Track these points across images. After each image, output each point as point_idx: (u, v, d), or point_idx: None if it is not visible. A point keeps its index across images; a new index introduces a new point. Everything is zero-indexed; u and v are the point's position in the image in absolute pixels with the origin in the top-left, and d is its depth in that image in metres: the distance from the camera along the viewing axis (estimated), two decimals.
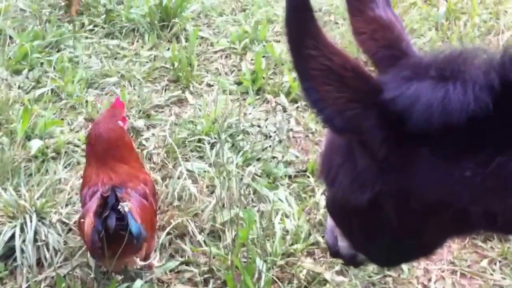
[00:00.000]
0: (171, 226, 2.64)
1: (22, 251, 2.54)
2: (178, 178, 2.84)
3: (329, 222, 1.67)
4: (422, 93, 1.07)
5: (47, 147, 3.06)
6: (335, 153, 1.30)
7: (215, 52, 3.95)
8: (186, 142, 3.12)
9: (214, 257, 2.50)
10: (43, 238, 2.59)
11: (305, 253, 2.53)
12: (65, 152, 3.07)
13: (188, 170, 2.90)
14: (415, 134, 1.07)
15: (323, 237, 2.59)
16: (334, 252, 1.72)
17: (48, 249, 2.56)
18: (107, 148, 2.45)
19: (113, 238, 2.13)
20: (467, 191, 1.11)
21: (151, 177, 2.61)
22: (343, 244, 1.65)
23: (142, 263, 2.42)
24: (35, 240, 2.58)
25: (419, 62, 1.17)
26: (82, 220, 2.25)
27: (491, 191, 1.10)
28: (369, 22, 1.32)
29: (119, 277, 2.42)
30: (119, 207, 2.08)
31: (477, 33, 3.98)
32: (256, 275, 2.38)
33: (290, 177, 2.91)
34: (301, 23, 1.05)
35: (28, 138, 3.12)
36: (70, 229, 2.69)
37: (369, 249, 1.50)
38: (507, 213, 1.13)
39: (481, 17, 4.15)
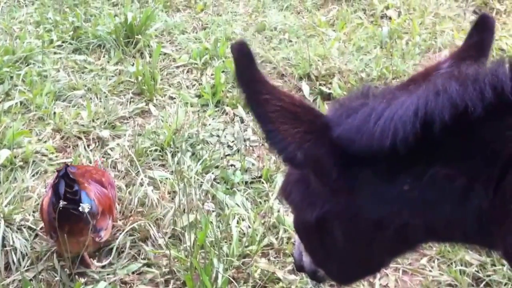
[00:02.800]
0: (133, 229, 2.61)
1: None
2: (141, 185, 2.80)
3: (297, 237, 1.67)
4: (359, 124, 1.10)
5: (15, 157, 2.99)
6: (293, 170, 1.32)
7: (177, 67, 3.92)
8: (149, 152, 3.09)
9: (174, 259, 2.47)
10: (11, 243, 2.53)
11: (259, 254, 2.52)
12: (33, 161, 3.01)
13: (150, 178, 2.87)
14: (360, 157, 1.11)
15: (276, 239, 2.59)
16: (299, 266, 1.73)
17: (15, 254, 2.51)
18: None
19: (66, 215, 2.19)
20: (408, 205, 1.14)
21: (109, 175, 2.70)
22: (306, 259, 1.65)
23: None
24: (3, 245, 2.52)
25: (357, 96, 1.19)
26: (42, 201, 2.38)
27: (428, 202, 1.12)
28: None
29: (83, 280, 2.37)
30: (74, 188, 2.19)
31: (417, 51, 4.04)
32: (214, 276, 2.36)
33: (246, 183, 2.90)
34: (251, 74, 1.11)
35: None
36: (37, 235, 2.63)
37: (326, 265, 1.51)
38: (444, 222, 1.15)
39: (421, 37, 4.22)
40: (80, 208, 2.13)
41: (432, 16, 4.56)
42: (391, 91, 1.19)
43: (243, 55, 1.09)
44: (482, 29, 1.28)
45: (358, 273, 1.52)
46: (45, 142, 3.20)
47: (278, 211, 2.70)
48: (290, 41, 4.25)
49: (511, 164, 1.03)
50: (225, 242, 2.55)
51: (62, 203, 2.18)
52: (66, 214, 2.21)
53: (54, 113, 3.38)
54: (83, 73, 3.85)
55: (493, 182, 1.05)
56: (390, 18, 4.59)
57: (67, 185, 2.20)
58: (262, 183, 2.90)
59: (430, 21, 4.51)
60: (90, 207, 2.21)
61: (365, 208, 1.16)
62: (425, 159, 1.09)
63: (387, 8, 4.72)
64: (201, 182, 2.86)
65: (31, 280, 2.42)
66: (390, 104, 1.09)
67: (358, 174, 1.14)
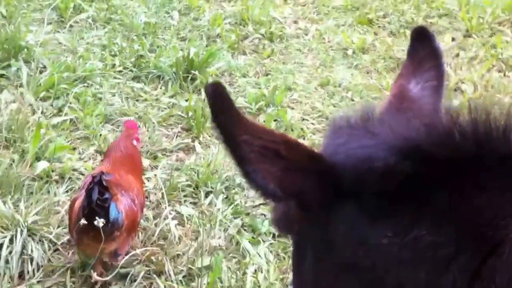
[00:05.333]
0: (150, 260, 2.75)
1: (8, 261, 2.67)
2: (165, 218, 2.96)
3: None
4: (352, 157, 1.18)
5: (53, 170, 3.22)
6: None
7: None
8: (183, 187, 3.26)
9: None
10: (29, 252, 2.72)
11: None
12: (69, 177, 3.23)
13: (177, 213, 3.03)
14: (350, 191, 1.13)
15: None
16: None
17: (31, 264, 2.70)
18: (119, 160, 2.82)
19: (92, 222, 2.38)
20: (383, 259, 1.14)
21: (144, 192, 2.95)
22: None
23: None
24: (22, 253, 2.72)
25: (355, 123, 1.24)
26: (73, 201, 2.60)
27: (404, 264, 1.13)
28: None
29: None
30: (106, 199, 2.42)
31: None
32: None
33: (274, 235, 3.01)
34: (227, 116, 1.11)
35: (38, 159, 3.29)
36: (56, 249, 2.81)
37: None
38: (418, 286, 1.19)
39: None
40: (96, 222, 2.30)
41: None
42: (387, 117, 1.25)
43: (218, 96, 1.10)
44: (422, 40, 1.38)
45: None
46: (85, 161, 3.43)
47: None
48: (352, 100, 4.38)
49: (494, 251, 1.06)
50: None
51: (82, 222, 2.39)
52: (91, 221, 2.39)
53: (100, 134, 3.62)
54: (137, 100, 4.10)
55: (472, 268, 1.07)
56: (463, 91, 4.65)
57: (99, 192, 2.41)
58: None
59: (508, 101, 4.53)
60: (116, 217, 2.44)
61: (338, 246, 1.19)
62: (412, 214, 1.10)
63: (462, 81, 4.78)
64: (228, 226, 2.98)
65: None
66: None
67: (342, 208, 1.15)
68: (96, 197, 2.39)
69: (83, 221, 2.40)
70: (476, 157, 1.09)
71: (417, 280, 1.13)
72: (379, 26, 5.36)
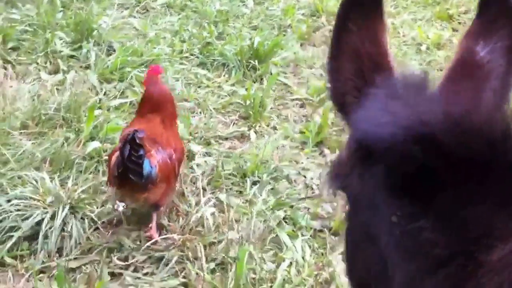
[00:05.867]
0: (186, 246, 2.73)
1: (47, 237, 2.72)
2: (205, 205, 2.93)
3: None
4: (381, 126, 1.05)
5: (104, 151, 3.26)
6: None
7: (292, 100, 4.03)
8: (231, 176, 3.22)
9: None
10: (69, 229, 2.76)
11: None
12: None
13: (219, 200, 2.99)
14: (378, 159, 1.07)
15: None
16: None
17: (70, 240, 2.74)
18: (155, 108, 2.92)
19: (126, 176, 2.55)
20: (387, 236, 1.09)
21: (183, 146, 3.07)
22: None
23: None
24: (62, 230, 2.76)
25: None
26: (111, 155, 2.74)
27: (403, 248, 1.07)
28: None
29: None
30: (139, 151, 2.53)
31: None
32: None
33: (315, 230, 2.91)
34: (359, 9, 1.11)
35: (92, 139, 3.34)
36: (96, 228, 2.84)
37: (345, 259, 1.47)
38: (404, 279, 1.11)
39: None
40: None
41: None
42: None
43: None
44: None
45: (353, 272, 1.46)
46: None
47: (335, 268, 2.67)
48: None
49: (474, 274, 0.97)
50: (270, 282, 2.57)
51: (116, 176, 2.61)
52: (126, 175, 2.55)
53: None
54: (199, 87, 4.10)
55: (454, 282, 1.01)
56: None
57: (132, 149, 2.51)
58: (332, 235, 2.89)
59: None
60: (148, 172, 2.58)
61: (362, 207, 1.14)
62: (424, 202, 1.03)
63: None
64: (269, 217, 2.91)
65: (75, 268, 2.64)
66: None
67: (371, 173, 1.09)
68: (128, 155, 2.50)
69: (116, 176, 2.59)
70: (488, 162, 0.98)
71: (407, 272, 1.07)
72: (459, 22, 5.10)
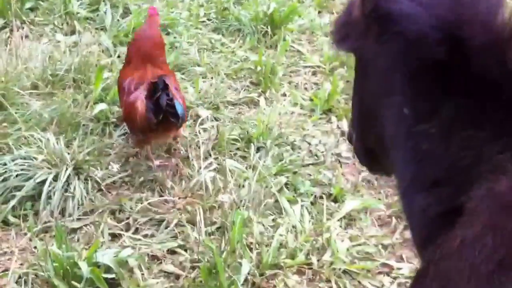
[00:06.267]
0: (186, 209, 2.75)
1: (50, 197, 2.77)
2: (207, 169, 2.94)
3: None
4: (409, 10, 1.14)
5: (112, 113, 3.28)
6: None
7: (305, 67, 3.99)
8: (235, 141, 3.22)
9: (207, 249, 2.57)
10: (72, 190, 2.80)
11: (294, 270, 2.53)
12: None
13: (220, 165, 3.00)
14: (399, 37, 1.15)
15: (318, 260, 2.57)
16: (349, 139, 1.73)
17: (73, 201, 2.78)
18: (146, 53, 3.03)
19: (167, 117, 2.69)
20: (394, 127, 1.21)
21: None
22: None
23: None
24: (65, 191, 2.80)
25: None
26: (133, 104, 2.81)
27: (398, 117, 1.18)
28: None
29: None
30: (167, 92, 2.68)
31: None
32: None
33: (315, 196, 2.91)
34: None
35: (101, 101, 3.36)
36: (100, 189, 2.88)
37: (353, 123, 1.52)
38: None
39: None
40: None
41: None
42: None
43: None
44: None
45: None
46: None
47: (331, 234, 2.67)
48: None
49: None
50: (265, 246, 2.58)
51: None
52: (164, 119, 2.71)
53: None
54: (212, 52, 4.08)
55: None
56: None
57: (167, 95, 2.67)
58: (332, 201, 2.88)
59: None
60: (183, 113, 2.75)
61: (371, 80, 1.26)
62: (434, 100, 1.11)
63: None
64: (271, 184, 2.91)
65: (76, 229, 2.68)
66: None
67: (390, 46, 1.17)
68: (166, 103, 2.65)
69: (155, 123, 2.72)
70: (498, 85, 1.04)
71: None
72: None
